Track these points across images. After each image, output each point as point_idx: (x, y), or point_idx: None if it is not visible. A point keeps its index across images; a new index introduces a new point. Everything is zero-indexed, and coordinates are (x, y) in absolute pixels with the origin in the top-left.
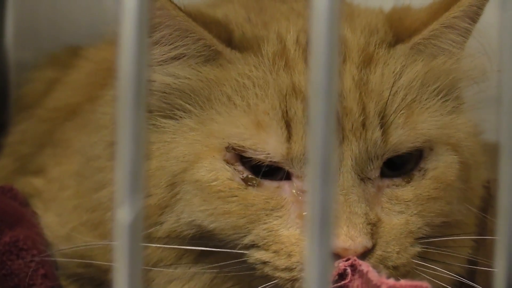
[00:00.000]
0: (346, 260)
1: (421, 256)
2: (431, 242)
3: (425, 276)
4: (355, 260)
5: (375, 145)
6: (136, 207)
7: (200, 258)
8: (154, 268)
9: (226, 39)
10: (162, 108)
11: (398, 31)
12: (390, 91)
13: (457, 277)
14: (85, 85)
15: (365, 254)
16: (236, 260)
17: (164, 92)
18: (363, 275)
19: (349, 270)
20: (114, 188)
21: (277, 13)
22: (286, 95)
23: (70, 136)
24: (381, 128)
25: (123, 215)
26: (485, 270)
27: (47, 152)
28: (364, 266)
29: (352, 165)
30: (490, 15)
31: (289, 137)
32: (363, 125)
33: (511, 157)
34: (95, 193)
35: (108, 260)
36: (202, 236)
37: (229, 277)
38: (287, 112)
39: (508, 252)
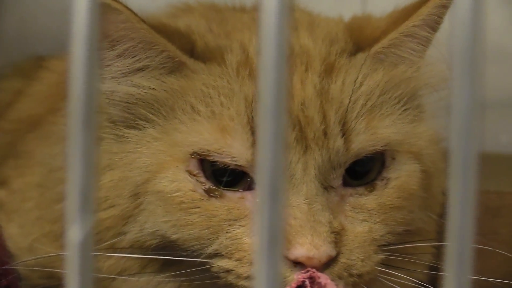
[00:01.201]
0: (306, 272)
1: (385, 264)
2: (394, 250)
3: (388, 283)
4: (313, 272)
5: (338, 153)
6: (86, 225)
7: (164, 267)
8: (119, 277)
9: (189, 50)
10: (125, 118)
11: (358, 40)
12: (350, 99)
13: (419, 283)
14: (47, 97)
15: (329, 263)
16: (200, 269)
17: (128, 102)
18: (321, 287)
19: (307, 282)
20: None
21: (238, 23)
22: (252, 102)
23: (32, 148)
24: (342, 136)
25: (73, 233)
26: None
27: (9, 163)
28: (323, 278)
29: (315, 174)
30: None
31: (254, 143)
32: (325, 133)
33: (461, 168)
34: (57, 204)
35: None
36: (166, 246)
37: (194, 286)
38: (252, 118)
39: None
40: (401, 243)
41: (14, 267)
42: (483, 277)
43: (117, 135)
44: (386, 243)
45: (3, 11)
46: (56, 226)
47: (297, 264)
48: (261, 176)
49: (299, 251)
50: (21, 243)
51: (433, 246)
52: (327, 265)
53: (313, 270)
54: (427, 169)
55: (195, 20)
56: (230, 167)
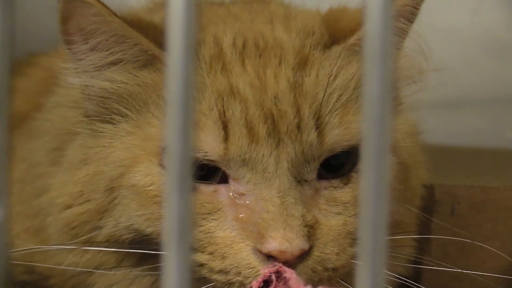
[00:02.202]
0: (272, 267)
1: None
2: None
3: None
4: (280, 267)
5: (311, 147)
6: None
7: (140, 261)
8: (96, 271)
9: (163, 43)
10: (99, 112)
11: (334, 32)
12: (325, 92)
13: (400, 278)
14: (35, 93)
15: (302, 256)
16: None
17: (102, 97)
18: (286, 281)
19: (273, 276)
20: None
21: (214, 17)
22: (223, 96)
23: (16, 144)
24: (316, 130)
25: None
26: (430, 270)
27: None
28: (288, 273)
29: (288, 168)
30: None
31: (226, 138)
32: (298, 127)
33: (373, 162)
34: (36, 199)
35: (49, 266)
36: (141, 240)
37: None
38: (224, 113)
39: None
40: None
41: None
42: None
43: (92, 129)
44: None
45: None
46: (36, 221)
47: (270, 258)
48: (170, 167)
49: (272, 245)
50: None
51: (414, 239)
52: (300, 258)
53: (280, 264)
54: (404, 161)
55: None
56: (203, 161)
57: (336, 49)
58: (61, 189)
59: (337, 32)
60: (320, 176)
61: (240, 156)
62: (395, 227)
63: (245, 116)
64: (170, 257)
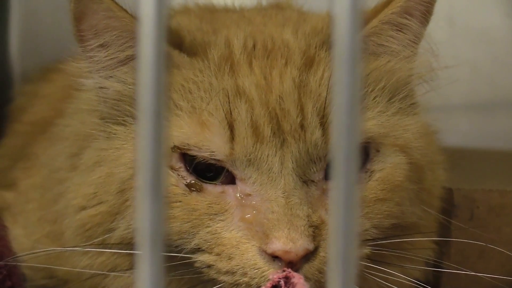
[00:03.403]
0: (282, 272)
1: (374, 259)
2: (385, 245)
3: (378, 280)
4: (289, 272)
5: (316, 146)
6: None
7: None
8: (111, 273)
9: (176, 44)
10: (113, 115)
11: None
12: (330, 91)
13: (416, 283)
14: (59, 99)
15: (307, 257)
16: (185, 265)
17: (115, 99)
18: (293, 286)
19: (282, 282)
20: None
21: (228, 21)
22: (229, 96)
23: (40, 150)
24: (321, 129)
25: None
26: (449, 274)
27: (20, 165)
28: (296, 278)
29: (293, 168)
30: None
31: (232, 138)
32: (302, 126)
33: (342, 162)
34: (56, 204)
35: (67, 269)
36: None
37: (185, 282)
38: (231, 113)
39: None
40: (391, 238)
41: (19, 269)
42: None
43: (106, 131)
44: (371, 238)
45: (40, 14)
46: (56, 226)
47: (276, 258)
48: (142, 173)
49: (276, 245)
50: (24, 244)
51: (434, 242)
52: (306, 259)
53: (289, 270)
54: (416, 162)
55: (189, 19)
56: (209, 161)
57: None
58: (76, 191)
59: None
60: (328, 177)
61: (245, 156)
62: (411, 229)
63: (251, 116)
64: (143, 262)
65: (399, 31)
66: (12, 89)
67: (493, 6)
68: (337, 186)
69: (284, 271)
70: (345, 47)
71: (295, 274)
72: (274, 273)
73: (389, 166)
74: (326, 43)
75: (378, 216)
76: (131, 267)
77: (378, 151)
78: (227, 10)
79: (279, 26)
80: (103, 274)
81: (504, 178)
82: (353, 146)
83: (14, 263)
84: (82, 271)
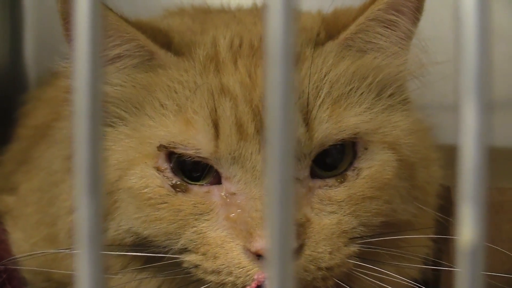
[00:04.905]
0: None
1: (365, 258)
2: (378, 243)
3: (371, 279)
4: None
5: (300, 142)
6: None
7: (146, 264)
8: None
9: (164, 44)
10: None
11: (330, 29)
12: (314, 87)
13: (411, 283)
14: (60, 102)
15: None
16: (173, 265)
17: (104, 101)
18: None
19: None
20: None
21: (218, 21)
22: (214, 94)
23: (40, 153)
24: (305, 125)
25: None
26: (451, 272)
27: (22, 169)
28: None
29: None
30: None
31: (217, 136)
32: None
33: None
34: (52, 207)
35: (63, 272)
36: (142, 243)
37: (177, 282)
38: (216, 111)
39: None
40: (381, 236)
41: (19, 273)
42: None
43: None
44: (359, 236)
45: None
46: (53, 229)
47: (260, 257)
48: (79, 172)
49: (259, 243)
50: (23, 247)
51: (431, 239)
52: None
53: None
54: (406, 159)
55: (182, 20)
56: (195, 159)
57: (330, 45)
58: (69, 193)
59: (333, 28)
60: (315, 175)
61: (230, 154)
62: (403, 226)
63: (235, 114)
64: (82, 260)
65: (387, 27)
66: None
67: (507, 3)
68: (272, 182)
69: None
70: (278, 43)
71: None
72: (259, 272)
73: (377, 164)
74: (312, 41)
75: (366, 214)
76: (122, 268)
77: (366, 148)
78: (219, 11)
79: None
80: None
81: (503, 175)
82: (288, 143)
83: (14, 267)
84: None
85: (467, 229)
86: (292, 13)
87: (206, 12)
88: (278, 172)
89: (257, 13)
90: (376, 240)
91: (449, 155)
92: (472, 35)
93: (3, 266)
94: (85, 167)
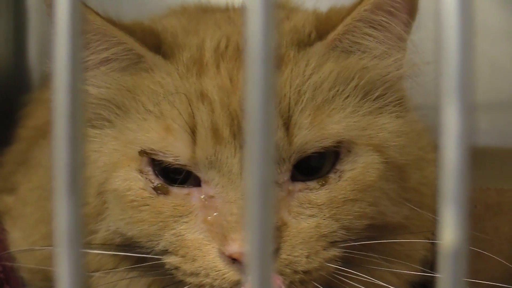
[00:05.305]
0: None
1: (352, 263)
2: (370, 247)
3: (355, 284)
4: None
5: (278, 147)
6: None
7: (136, 264)
8: (95, 274)
9: (152, 46)
10: (90, 118)
11: (321, 29)
12: (296, 91)
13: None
14: None
15: None
16: (159, 265)
17: (90, 103)
18: None
19: None
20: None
21: (211, 21)
22: (193, 99)
23: (40, 152)
24: (284, 129)
25: None
26: None
27: (22, 170)
28: (274, 279)
29: None
30: None
31: (194, 141)
32: None
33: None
34: (49, 202)
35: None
36: (128, 243)
37: (165, 282)
38: (194, 116)
39: None
40: (371, 239)
41: (17, 272)
42: (484, 275)
43: (85, 135)
44: (340, 239)
45: None
46: (51, 226)
47: (235, 260)
48: (59, 172)
49: (232, 247)
50: (22, 246)
51: (430, 242)
52: None
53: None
54: (394, 161)
55: (178, 21)
56: (175, 166)
57: (318, 46)
58: None
59: (324, 29)
60: (295, 178)
61: (207, 159)
62: (396, 229)
63: (211, 119)
64: (62, 259)
65: (374, 28)
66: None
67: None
68: (251, 183)
69: None
70: (258, 42)
71: (274, 274)
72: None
73: (360, 166)
74: (300, 42)
75: (348, 217)
76: (114, 267)
77: (349, 151)
78: (217, 11)
79: None
80: (88, 274)
81: (502, 176)
82: (267, 146)
83: (12, 266)
84: None
85: (449, 231)
86: (272, 14)
87: (205, 11)
88: (257, 175)
89: None
90: (365, 244)
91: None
92: (454, 35)
93: (1, 266)
94: (64, 167)
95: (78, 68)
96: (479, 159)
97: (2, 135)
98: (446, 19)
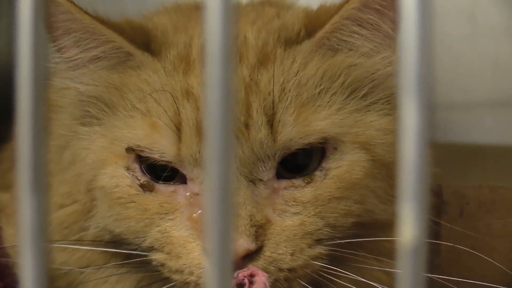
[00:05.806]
0: (247, 270)
1: (339, 260)
2: (358, 245)
3: (342, 282)
4: (254, 270)
5: (262, 144)
6: None
7: (125, 260)
8: (85, 270)
9: (141, 44)
10: (80, 116)
11: (310, 26)
12: (280, 89)
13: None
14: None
15: (250, 256)
16: (147, 262)
17: (80, 100)
18: (254, 283)
19: (246, 280)
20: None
21: (201, 19)
22: (178, 97)
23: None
24: (268, 127)
25: None
26: (443, 271)
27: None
28: (259, 275)
29: (237, 167)
30: None
31: (179, 139)
32: (246, 125)
33: (215, 156)
34: None
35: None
36: (117, 240)
37: (154, 279)
38: (179, 114)
39: None
40: (358, 237)
41: (12, 269)
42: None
43: (76, 132)
44: (326, 237)
45: None
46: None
47: None
48: (22, 168)
49: None
50: (16, 243)
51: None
52: (249, 258)
53: (254, 268)
54: (382, 159)
55: (169, 18)
56: (161, 162)
57: (306, 44)
58: (55, 189)
59: (312, 27)
60: (281, 176)
61: (191, 156)
62: (386, 227)
63: (195, 116)
64: (26, 255)
65: (361, 26)
66: None
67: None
68: (210, 182)
69: (249, 268)
70: (216, 42)
71: (259, 272)
72: (239, 271)
73: (346, 164)
74: (286, 40)
75: (334, 215)
76: (104, 263)
77: (335, 148)
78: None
79: (249, 23)
80: (79, 270)
81: (494, 174)
82: (226, 143)
83: (6, 263)
84: (60, 267)
85: (408, 228)
86: (232, 14)
87: (198, 9)
88: (216, 173)
89: (244, 10)
90: (353, 241)
91: (440, 153)
92: (412, 32)
93: None
94: (27, 164)
95: (41, 65)
96: (481, 157)
97: None
98: (405, 16)
